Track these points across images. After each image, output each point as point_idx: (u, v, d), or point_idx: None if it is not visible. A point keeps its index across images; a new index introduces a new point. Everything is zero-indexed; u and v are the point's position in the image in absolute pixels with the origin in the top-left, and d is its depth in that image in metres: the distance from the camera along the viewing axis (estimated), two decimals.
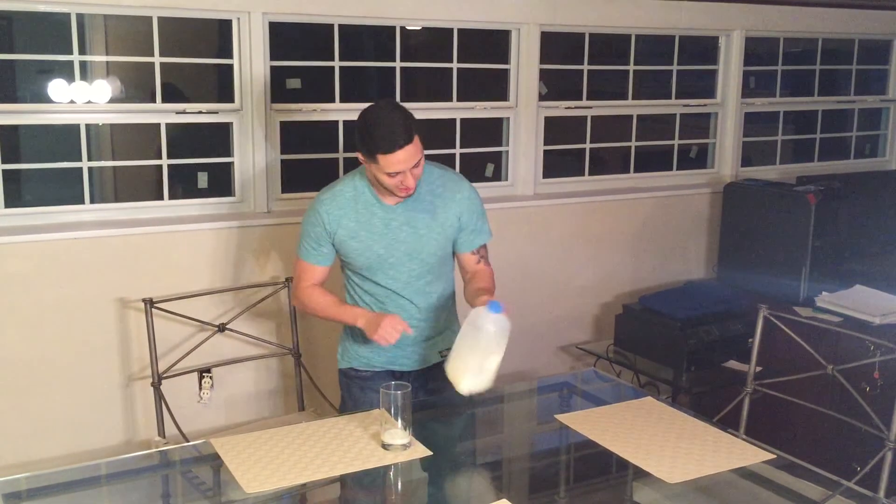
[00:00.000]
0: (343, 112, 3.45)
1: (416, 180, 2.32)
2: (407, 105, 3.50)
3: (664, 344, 3.51)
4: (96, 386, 3.08)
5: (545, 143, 3.92)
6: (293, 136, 3.39)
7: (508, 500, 1.90)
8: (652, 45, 4.22)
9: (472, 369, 2.23)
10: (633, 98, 4.16)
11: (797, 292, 3.71)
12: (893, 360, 2.63)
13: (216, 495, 2.06)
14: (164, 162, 3.21)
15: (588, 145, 4.08)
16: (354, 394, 2.57)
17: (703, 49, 4.35)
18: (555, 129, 3.95)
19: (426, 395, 2.53)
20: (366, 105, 3.54)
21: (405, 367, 2.54)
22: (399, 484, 2.05)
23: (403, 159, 2.24)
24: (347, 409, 2.52)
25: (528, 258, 3.84)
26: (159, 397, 2.95)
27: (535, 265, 3.86)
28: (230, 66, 3.25)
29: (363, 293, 2.51)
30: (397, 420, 2.10)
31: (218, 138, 3.32)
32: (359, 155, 2.33)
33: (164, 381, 2.97)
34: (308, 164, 3.49)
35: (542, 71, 3.83)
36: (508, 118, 3.84)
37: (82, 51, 3.05)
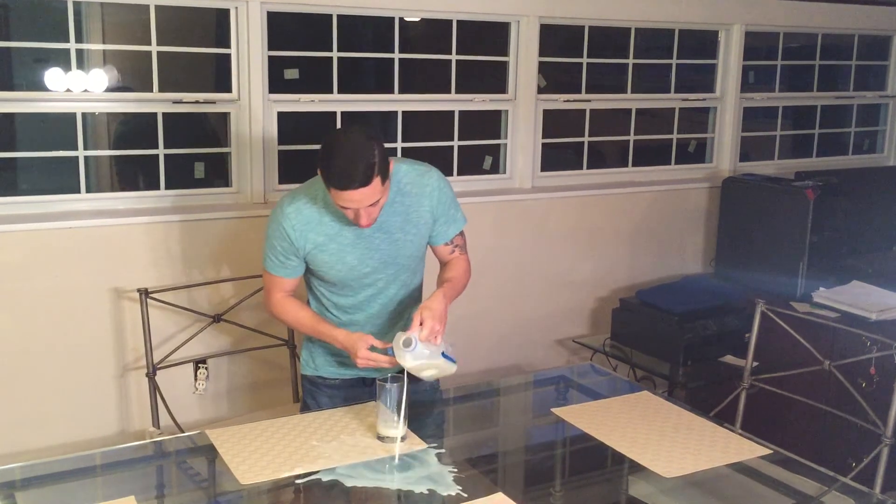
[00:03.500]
0: (341, 103, 3.44)
1: (370, 218, 2.17)
2: (405, 97, 3.49)
3: (661, 338, 3.51)
4: (91, 376, 3.07)
5: (543, 137, 3.91)
6: (291, 126, 3.38)
7: (504, 494, 1.90)
8: (651, 38, 4.21)
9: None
10: (632, 92, 4.15)
11: (794, 287, 3.71)
12: (890, 355, 2.63)
13: (211, 486, 2.06)
14: (161, 151, 3.19)
15: (586, 139, 4.07)
16: (321, 402, 2.47)
17: (702, 43, 4.34)
18: (553, 122, 3.94)
19: None
20: (364, 97, 3.52)
21: (375, 373, 2.41)
22: (394, 476, 2.05)
23: (356, 199, 2.08)
24: None
25: (525, 251, 3.83)
26: (154, 388, 2.94)
27: (533, 258, 3.85)
28: (228, 56, 3.23)
29: (331, 305, 2.40)
30: (393, 412, 2.09)
31: (215, 128, 3.30)
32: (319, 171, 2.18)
33: (159, 372, 2.97)
34: (305, 154, 3.47)
35: (540, 64, 3.82)
36: (507, 111, 3.83)
37: (79, 39, 3.03)
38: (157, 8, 3.09)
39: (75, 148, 3.06)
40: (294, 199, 2.27)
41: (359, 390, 2.44)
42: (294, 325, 2.45)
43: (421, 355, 2.11)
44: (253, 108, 3.25)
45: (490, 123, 3.85)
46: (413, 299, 2.45)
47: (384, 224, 2.27)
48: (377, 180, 2.07)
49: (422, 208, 2.32)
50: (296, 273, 2.35)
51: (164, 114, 3.17)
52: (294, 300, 2.40)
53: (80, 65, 3.04)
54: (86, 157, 3.10)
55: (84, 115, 3.09)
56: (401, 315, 2.43)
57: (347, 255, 2.27)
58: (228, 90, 3.25)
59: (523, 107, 3.80)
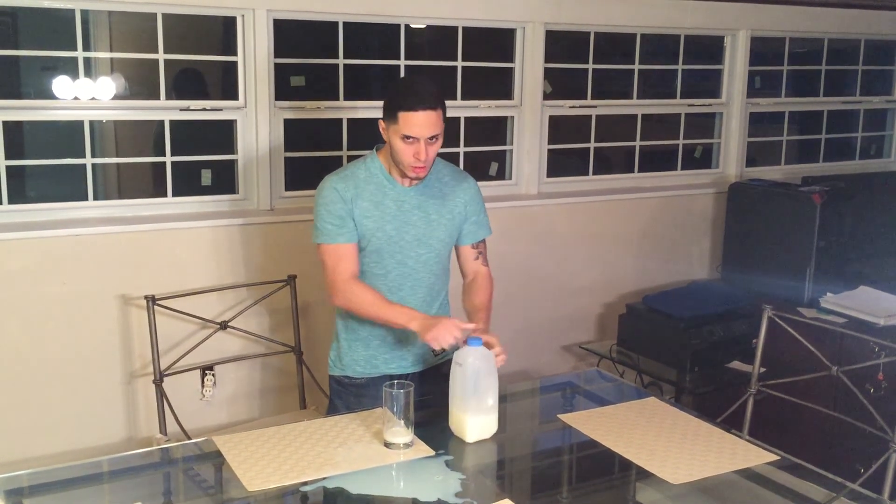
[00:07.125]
0: (347, 110, 3.45)
1: (429, 159, 2.33)
2: None
3: (668, 344, 3.50)
4: (98, 383, 3.08)
5: (549, 142, 3.92)
6: (297, 133, 3.39)
7: (511, 500, 1.89)
8: (657, 44, 4.21)
9: (472, 413, 2.20)
10: (638, 97, 4.15)
11: (801, 293, 3.70)
12: None
13: (218, 493, 2.06)
14: (168, 159, 3.20)
15: (592, 144, 4.07)
16: (349, 402, 2.53)
17: (708, 49, 4.34)
18: (559, 128, 3.94)
19: (420, 398, 2.50)
20: (370, 104, 3.55)
21: (402, 370, 2.52)
22: (401, 483, 2.05)
23: (423, 122, 2.26)
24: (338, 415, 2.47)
25: (531, 257, 3.83)
26: (161, 395, 2.95)
27: (539, 264, 3.85)
28: (234, 63, 3.24)
29: None
30: (399, 419, 2.09)
31: (222, 135, 3.31)
32: (381, 123, 2.35)
33: (166, 379, 2.97)
34: (312, 161, 3.48)
35: (546, 70, 3.82)
36: (513, 117, 3.83)
37: (87, 47, 3.05)
38: (165, 16, 3.11)
39: (83, 156, 3.07)
40: (340, 172, 2.45)
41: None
42: (363, 307, 2.39)
43: (479, 366, 2.18)
44: (259, 115, 3.26)
45: (496, 129, 3.86)
46: (440, 303, 2.55)
47: (423, 203, 2.43)
48: (441, 112, 2.30)
49: (457, 199, 2.50)
50: (354, 237, 2.41)
51: (171, 121, 3.18)
52: (362, 283, 2.41)
53: (88, 73, 3.06)
54: (93, 165, 3.11)
55: (92, 122, 3.10)
56: (430, 306, 2.50)
57: (388, 224, 2.40)
58: (235, 97, 3.26)
59: (529, 113, 3.81)
